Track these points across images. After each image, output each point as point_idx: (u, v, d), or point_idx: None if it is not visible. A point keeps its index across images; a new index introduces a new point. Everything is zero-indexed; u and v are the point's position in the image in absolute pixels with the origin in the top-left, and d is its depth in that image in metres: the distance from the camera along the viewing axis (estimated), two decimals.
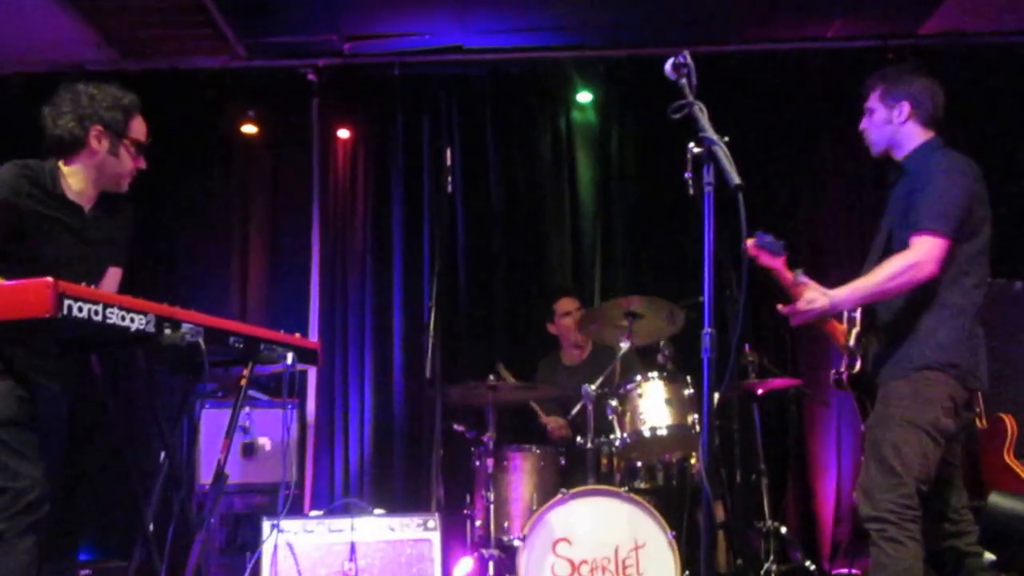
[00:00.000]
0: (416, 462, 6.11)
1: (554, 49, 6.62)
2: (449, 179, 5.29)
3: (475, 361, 6.10)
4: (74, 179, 3.43)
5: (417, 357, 6.11)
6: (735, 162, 2.77)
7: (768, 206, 6.31)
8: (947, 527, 3.59)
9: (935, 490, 3.53)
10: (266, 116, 6.63)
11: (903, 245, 3.48)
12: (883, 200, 3.89)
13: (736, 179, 2.71)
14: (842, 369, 3.70)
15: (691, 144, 2.85)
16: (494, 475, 4.84)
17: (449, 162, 5.30)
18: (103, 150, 3.43)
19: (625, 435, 4.75)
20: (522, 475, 4.92)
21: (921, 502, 3.39)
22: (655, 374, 4.80)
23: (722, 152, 2.78)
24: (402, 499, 6.01)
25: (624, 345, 4.90)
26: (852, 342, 3.69)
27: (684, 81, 2.92)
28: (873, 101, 3.78)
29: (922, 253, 3.39)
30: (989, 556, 4.15)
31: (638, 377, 4.79)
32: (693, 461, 4.83)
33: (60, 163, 3.42)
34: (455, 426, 5.22)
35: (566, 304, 5.92)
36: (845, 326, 3.73)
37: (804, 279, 3.51)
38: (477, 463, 5.01)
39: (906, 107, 3.71)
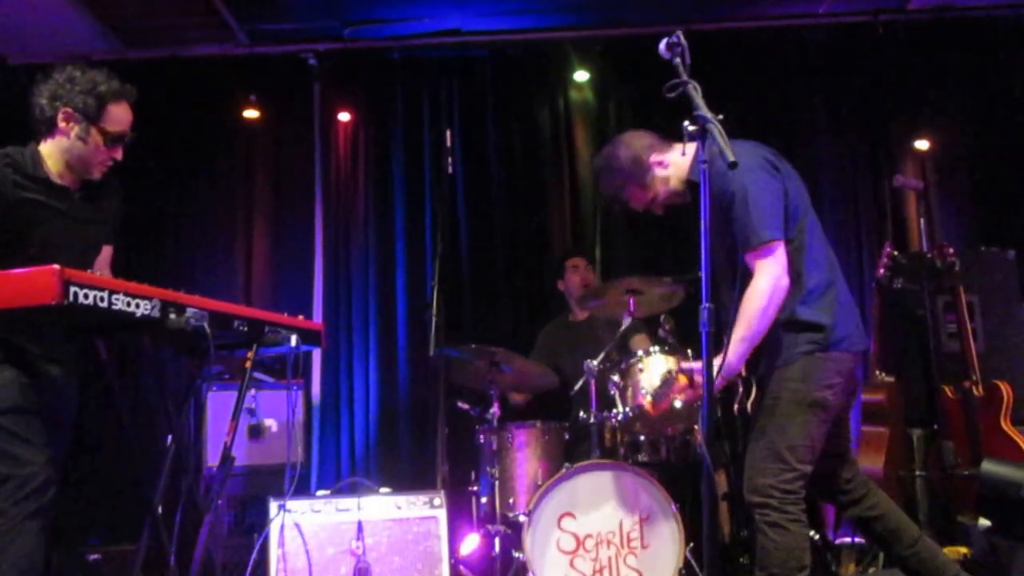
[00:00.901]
0: (421, 440, 6.18)
1: (550, 30, 6.65)
2: (450, 160, 5.32)
3: (478, 339, 6.15)
4: (51, 161, 3.41)
5: (421, 336, 6.18)
6: (730, 139, 2.80)
7: None
8: (842, 498, 3.65)
9: (827, 468, 3.57)
10: (268, 101, 6.68)
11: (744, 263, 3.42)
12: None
13: (731, 156, 2.75)
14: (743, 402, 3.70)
15: (686, 122, 2.89)
16: (498, 452, 4.88)
17: (449, 143, 5.33)
18: (72, 134, 3.38)
19: (627, 409, 4.77)
20: (526, 451, 4.95)
21: (809, 483, 3.40)
22: (656, 348, 4.83)
23: (716, 130, 2.81)
24: (408, 477, 6.04)
25: (627, 320, 4.94)
26: (744, 372, 3.69)
27: (678, 60, 2.95)
28: (626, 193, 3.80)
29: (771, 273, 3.32)
30: (984, 522, 4.20)
31: (640, 352, 4.82)
32: (695, 434, 4.87)
33: (39, 146, 3.41)
34: (459, 404, 5.24)
35: (575, 260, 5.97)
36: None
37: (689, 366, 3.54)
38: (481, 440, 5.04)
39: (653, 168, 3.70)
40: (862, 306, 5.05)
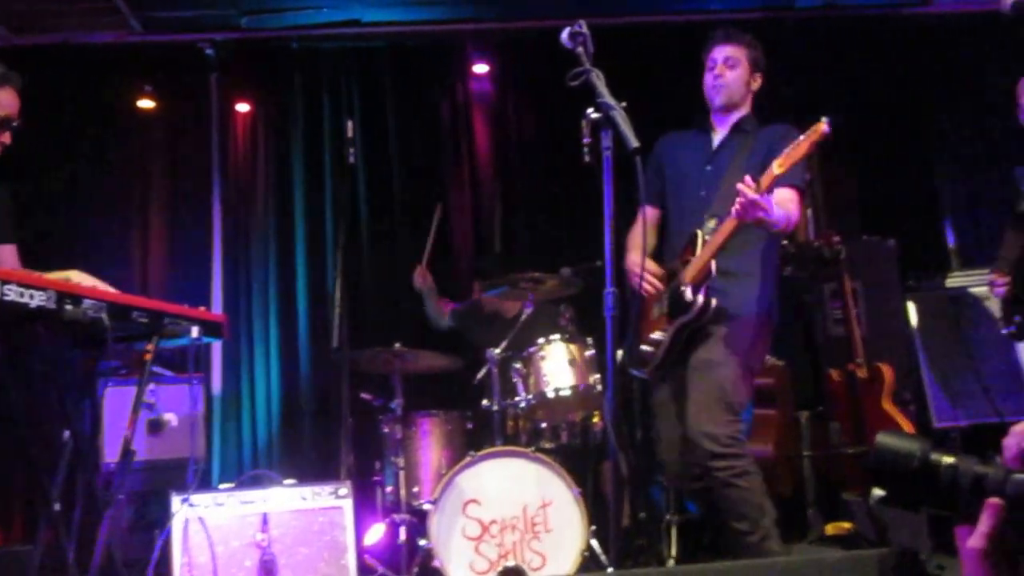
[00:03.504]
0: (324, 431, 6.13)
1: (449, 22, 6.69)
2: (351, 151, 5.32)
3: (379, 329, 6.17)
4: None
5: (322, 327, 6.16)
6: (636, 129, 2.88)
7: None
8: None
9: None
10: (164, 91, 6.56)
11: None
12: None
13: (634, 142, 2.83)
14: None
15: (589, 110, 2.95)
16: (403, 441, 4.91)
17: (350, 134, 5.32)
18: None
19: (530, 396, 4.85)
20: (430, 440, 4.99)
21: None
22: (557, 336, 4.91)
23: (620, 116, 2.88)
24: (312, 469, 5.99)
25: (528, 310, 5.01)
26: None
27: (581, 49, 3.03)
28: (742, 55, 3.88)
29: (798, 205, 3.62)
30: (877, 492, 4.37)
31: (540, 340, 4.89)
32: (595, 420, 4.96)
33: None
34: (362, 394, 5.25)
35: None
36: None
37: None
38: (385, 430, 5.05)
39: (760, 80, 3.92)
40: None
